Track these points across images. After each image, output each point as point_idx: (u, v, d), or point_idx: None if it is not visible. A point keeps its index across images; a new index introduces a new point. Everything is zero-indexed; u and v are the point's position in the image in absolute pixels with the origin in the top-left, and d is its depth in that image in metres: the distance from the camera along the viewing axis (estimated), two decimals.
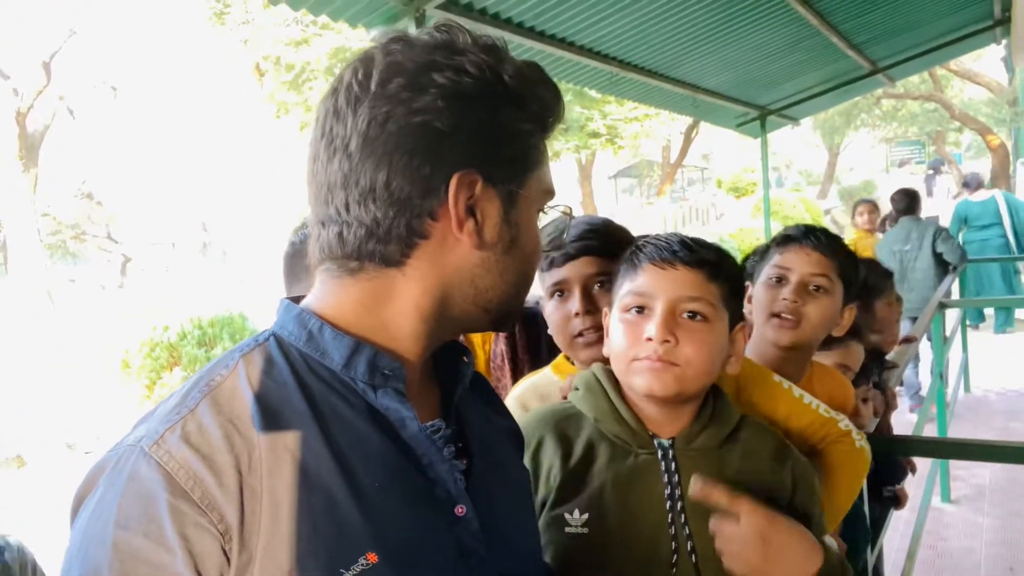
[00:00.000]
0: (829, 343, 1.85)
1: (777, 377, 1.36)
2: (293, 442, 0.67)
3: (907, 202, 5.86)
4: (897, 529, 3.40)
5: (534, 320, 1.94)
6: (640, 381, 1.03)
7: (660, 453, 1.05)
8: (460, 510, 0.74)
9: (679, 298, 1.04)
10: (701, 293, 1.05)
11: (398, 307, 0.74)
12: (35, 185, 14.18)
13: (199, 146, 21.02)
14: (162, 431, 0.64)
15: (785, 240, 1.55)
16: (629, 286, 1.08)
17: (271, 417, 0.67)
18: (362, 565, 0.65)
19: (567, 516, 1.03)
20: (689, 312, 1.04)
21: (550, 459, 1.07)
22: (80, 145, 19.50)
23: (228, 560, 0.62)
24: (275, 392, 0.69)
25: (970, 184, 7.76)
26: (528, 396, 1.41)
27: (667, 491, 1.03)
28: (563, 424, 1.10)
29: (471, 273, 0.74)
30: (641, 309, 1.06)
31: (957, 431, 5.09)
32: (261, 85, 15.23)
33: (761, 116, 6.34)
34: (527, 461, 1.04)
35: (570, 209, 0.87)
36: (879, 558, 2.34)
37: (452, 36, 0.73)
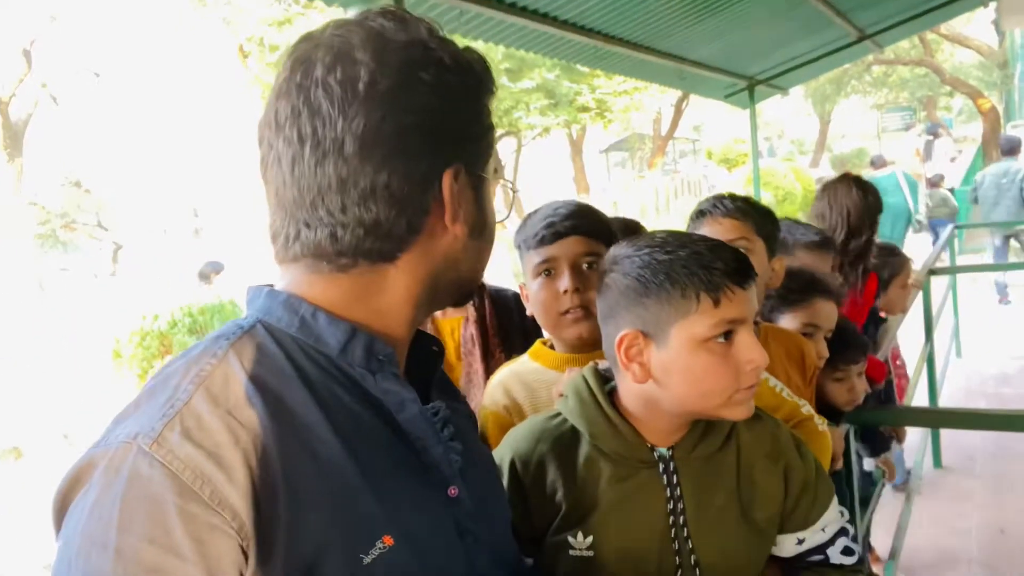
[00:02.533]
0: (791, 303, 1.86)
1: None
2: (300, 429, 0.66)
3: (1010, 147, 8.31)
4: (888, 495, 3.43)
5: (504, 304, 1.94)
6: (741, 411, 0.99)
7: (661, 465, 1.03)
8: (453, 491, 0.75)
9: (752, 315, 1.01)
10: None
11: (391, 297, 0.75)
12: (21, 174, 14.04)
13: (186, 131, 20.82)
14: (159, 428, 0.61)
15: (699, 215, 1.64)
16: (715, 313, 0.96)
17: (273, 406, 0.66)
18: (380, 548, 0.66)
19: (571, 539, 1.02)
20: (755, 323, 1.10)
21: (553, 484, 1.04)
22: (65, 133, 19.29)
23: (246, 556, 0.60)
24: (273, 380, 0.67)
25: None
26: (511, 382, 1.41)
27: (669, 503, 1.02)
28: (561, 444, 1.06)
29: (455, 259, 0.77)
30: (728, 335, 0.99)
31: (948, 396, 5.13)
32: (246, 67, 15.05)
33: (749, 86, 6.29)
34: (527, 480, 1.04)
35: (511, 183, 0.90)
36: (867, 531, 2.41)
37: (408, 26, 0.73)
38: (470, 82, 0.75)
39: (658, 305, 0.96)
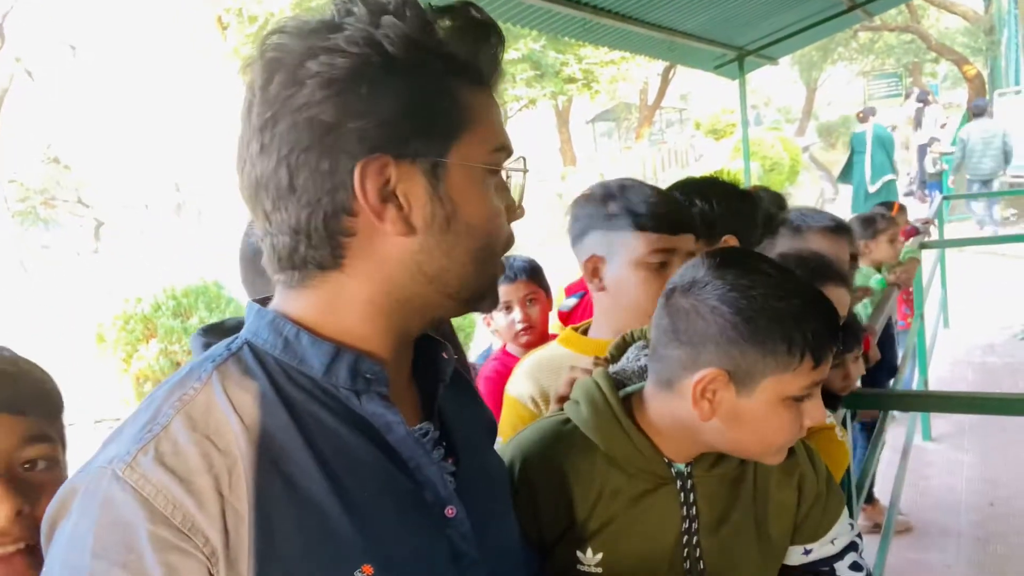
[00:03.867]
0: None
1: None
2: (277, 456, 0.64)
3: (981, 110, 9.90)
4: (880, 471, 3.45)
5: None
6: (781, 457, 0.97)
7: (678, 483, 0.98)
8: (450, 511, 0.72)
9: None
10: None
11: (354, 309, 0.70)
12: None
13: (166, 104, 20.47)
14: (134, 452, 0.61)
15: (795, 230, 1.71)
16: (806, 374, 0.91)
17: (252, 431, 0.64)
18: None
19: (580, 555, 0.98)
20: None
21: (563, 495, 0.99)
22: (42, 108, 18.92)
23: None
24: (254, 404, 0.66)
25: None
26: (540, 370, 1.37)
27: (684, 521, 0.98)
28: (572, 452, 1.00)
29: (414, 261, 0.69)
30: (801, 399, 0.94)
31: (938, 367, 5.16)
32: (224, 39, 14.76)
33: (739, 57, 6.20)
34: (535, 487, 0.99)
35: (523, 160, 0.78)
36: (872, 482, 2.43)
37: (341, 9, 0.67)
38: (373, 62, 0.64)
39: (758, 354, 0.88)
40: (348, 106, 0.64)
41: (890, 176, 9.48)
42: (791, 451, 1.03)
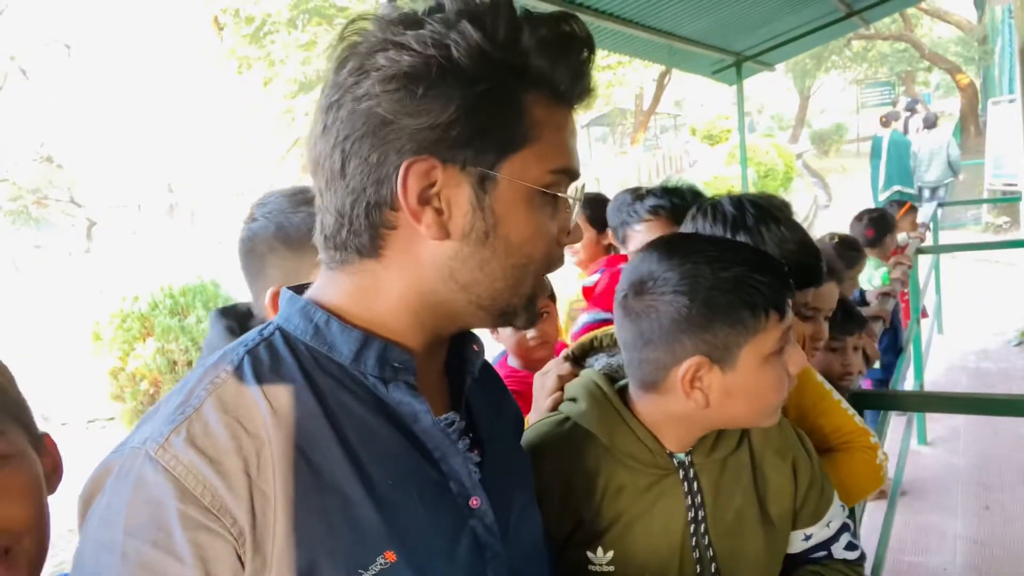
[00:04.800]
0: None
1: (819, 378, 1.36)
2: (304, 441, 0.65)
3: (931, 123, 10.62)
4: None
5: None
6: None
7: (681, 472, 0.99)
8: (475, 502, 0.73)
9: None
10: None
11: (386, 301, 0.71)
12: None
13: (160, 104, 20.39)
14: (167, 433, 0.62)
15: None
16: (778, 328, 0.94)
17: (280, 415, 0.65)
18: (380, 564, 0.64)
19: (591, 555, 0.98)
20: None
21: (568, 495, 0.99)
22: (35, 107, 18.81)
23: (242, 564, 0.60)
24: (283, 389, 0.67)
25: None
26: None
27: (690, 510, 0.99)
28: (573, 452, 1.00)
29: (447, 267, 0.69)
30: (780, 351, 0.97)
31: (932, 372, 5.18)
32: (221, 39, 14.72)
33: (737, 63, 6.25)
34: (536, 490, 0.97)
35: (582, 187, 0.78)
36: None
37: (434, 5, 0.67)
38: (437, 66, 0.64)
39: (729, 329, 0.90)
40: (403, 104, 0.65)
41: (898, 188, 9.55)
42: (784, 434, 1.07)
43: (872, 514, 3.15)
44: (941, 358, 5.65)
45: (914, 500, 3.68)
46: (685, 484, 0.99)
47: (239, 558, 0.60)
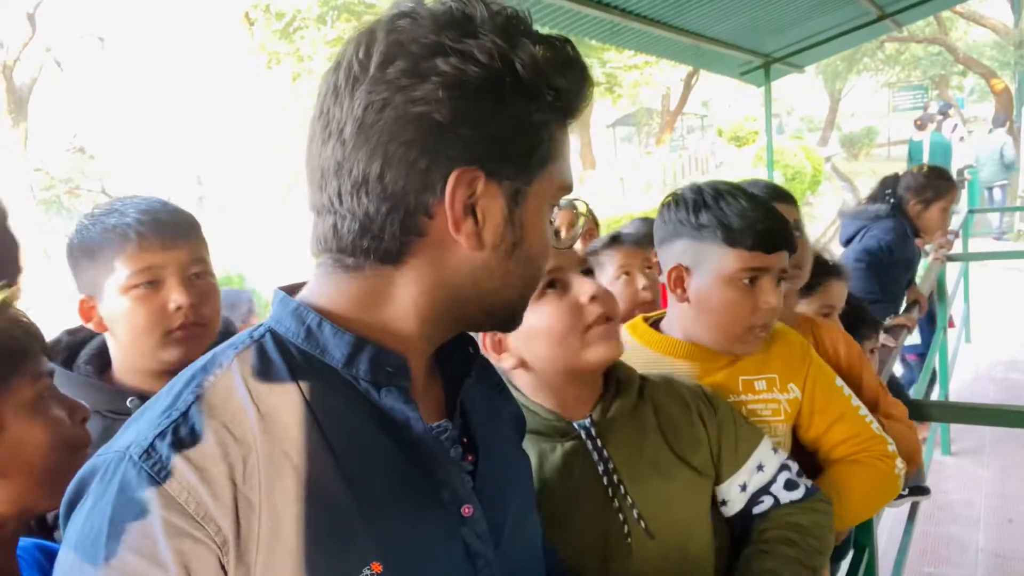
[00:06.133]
0: (808, 289, 1.85)
1: (839, 381, 1.36)
2: (292, 448, 0.63)
3: (1004, 120, 11.17)
4: None
5: None
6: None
7: (584, 434, 1.05)
8: (467, 510, 0.71)
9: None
10: None
11: (396, 309, 0.69)
12: (25, 140, 13.95)
13: (190, 98, 20.66)
14: (151, 438, 0.61)
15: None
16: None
17: (268, 421, 0.64)
18: (366, 575, 0.63)
19: None
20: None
21: None
22: (70, 98, 19.17)
23: (226, 572, 0.59)
24: (273, 393, 0.65)
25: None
26: None
27: (600, 468, 1.04)
28: None
29: (473, 276, 0.69)
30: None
31: (958, 382, 5.11)
32: (251, 35, 14.88)
33: (765, 64, 6.18)
34: None
35: (586, 206, 0.81)
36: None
37: (469, 11, 0.66)
38: (504, 81, 0.65)
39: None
40: (466, 113, 0.64)
41: None
42: (681, 390, 1.15)
43: (892, 524, 3.12)
44: (968, 368, 5.56)
45: (936, 511, 3.63)
46: (590, 443, 1.05)
47: (222, 567, 0.59)
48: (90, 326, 1.23)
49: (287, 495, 0.62)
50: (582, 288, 1.01)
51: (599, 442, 1.05)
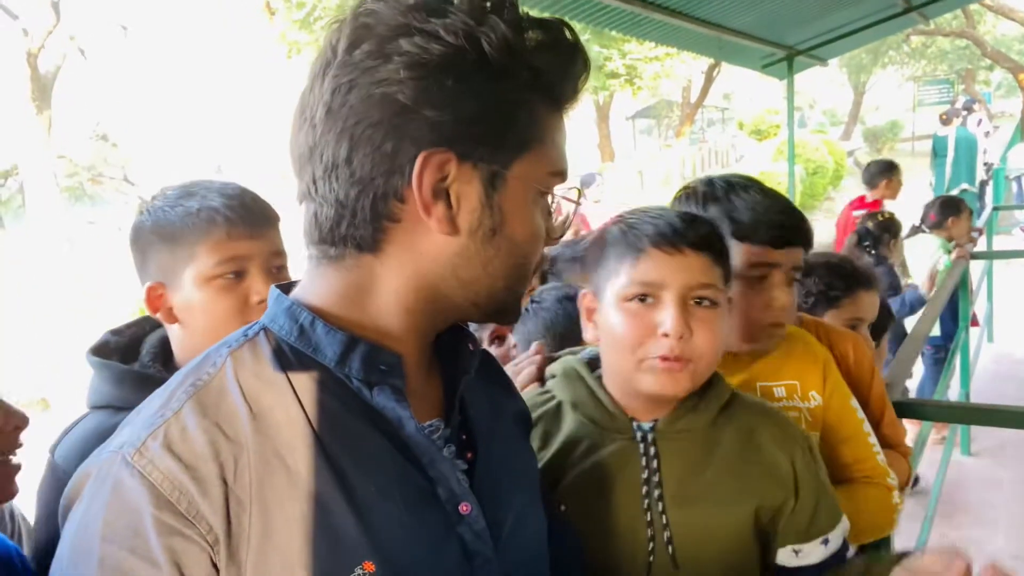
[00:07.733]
0: (833, 300, 1.80)
1: (854, 402, 1.32)
2: (284, 447, 0.63)
3: None
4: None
5: None
6: (652, 382, 0.95)
7: (639, 436, 1.00)
8: (464, 508, 0.70)
9: (691, 286, 0.95)
10: (710, 279, 0.97)
11: (381, 300, 0.69)
12: (49, 127, 14.09)
13: (212, 87, 20.80)
14: (144, 437, 0.62)
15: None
16: (631, 274, 0.97)
17: (261, 420, 0.64)
18: (358, 575, 0.62)
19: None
20: (698, 299, 0.96)
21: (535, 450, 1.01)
22: (93, 86, 19.34)
23: (217, 570, 0.59)
24: (265, 392, 0.65)
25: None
26: None
27: (644, 478, 0.98)
28: (547, 415, 1.06)
29: (450, 263, 0.68)
30: (644, 298, 0.96)
31: (979, 381, 5.03)
32: (272, 24, 14.92)
33: (788, 57, 6.10)
34: None
35: (580, 192, 0.78)
36: None
37: None
38: (467, 59, 0.63)
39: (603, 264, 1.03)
40: (429, 93, 0.63)
41: (965, 186, 9.45)
42: (786, 431, 1.03)
43: (909, 524, 3.08)
44: (989, 367, 5.48)
45: (955, 512, 3.58)
46: (642, 447, 0.99)
47: (214, 565, 0.59)
48: (158, 316, 1.14)
49: (279, 494, 0.62)
50: (665, 318, 0.94)
51: (653, 450, 0.98)
